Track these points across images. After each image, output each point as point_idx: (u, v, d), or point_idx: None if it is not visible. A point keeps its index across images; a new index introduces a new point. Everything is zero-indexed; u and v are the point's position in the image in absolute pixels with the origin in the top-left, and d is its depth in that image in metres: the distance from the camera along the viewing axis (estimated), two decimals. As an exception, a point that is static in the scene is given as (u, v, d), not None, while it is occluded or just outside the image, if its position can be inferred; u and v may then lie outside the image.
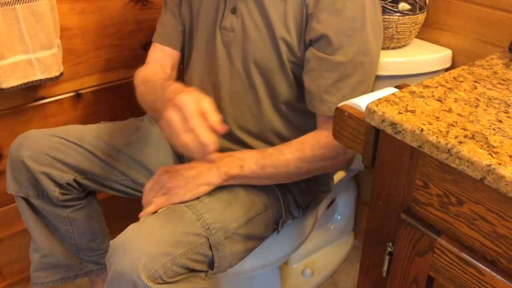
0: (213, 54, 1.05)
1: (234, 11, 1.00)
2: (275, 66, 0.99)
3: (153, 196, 0.97)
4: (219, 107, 1.06)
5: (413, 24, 1.18)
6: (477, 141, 0.62)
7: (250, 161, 0.97)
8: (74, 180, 1.09)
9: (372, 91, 0.98)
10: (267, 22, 0.97)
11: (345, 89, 0.94)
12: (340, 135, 0.80)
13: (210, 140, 0.76)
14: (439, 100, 0.72)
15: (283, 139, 1.04)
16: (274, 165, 0.97)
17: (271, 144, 1.06)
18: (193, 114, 0.76)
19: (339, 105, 0.78)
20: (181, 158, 1.20)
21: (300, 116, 1.06)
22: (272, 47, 0.98)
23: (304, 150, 0.97)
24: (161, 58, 1.14)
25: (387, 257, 0.80)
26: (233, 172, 0.97)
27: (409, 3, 1.19)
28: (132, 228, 0.91)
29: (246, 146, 1.08)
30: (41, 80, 1.19)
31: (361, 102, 0.78)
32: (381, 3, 1.12)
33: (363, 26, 0.92)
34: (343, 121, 0.77)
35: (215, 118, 0.78)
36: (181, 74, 1.19)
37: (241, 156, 0.98)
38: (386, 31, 1.16)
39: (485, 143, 0.62)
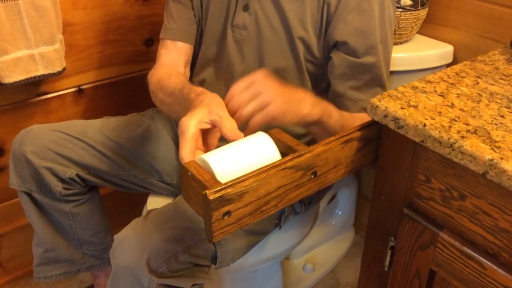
0: (225, 52, 1.03)
1: (246, 8, 0.98)
2: (291, 65, 0.98)
3: (242, 104, 0.79)
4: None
5: (415, 20, 1.18)
6: (479, 136, 0.63)
7: (335, 115, 0.90)
8: (77, 175, 1.10)
9: None
10: (283, 21, 0.96)
11: (377, 88, 0.94)
12: (188, 197, 0.70)
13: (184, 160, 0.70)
14: (442, 95, 0.73)
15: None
16: (342, 127, 0.90)
17: None
18: (181, 139, 0.72)
19: (184, 163, 0.68)
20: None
21: None
22: (288, 47, 0.97)
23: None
24: (174, 58, 1.07)
25: (389, 251, 0.80)
26: (323, 117, 0.86)
27: (411, -1, 1.19)
28: (135, 223, 0.91)
29: None
30: (43, 75, 1.19)
31: (212, 159, 0.68)
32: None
33: (384, 24, 0.92)
34: (188, 182, 0.68)
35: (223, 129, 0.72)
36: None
37: (330, 107, 0.90)
38: (388, 27, 1.17)
39: (487, 138, 0.62)
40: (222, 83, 1.06)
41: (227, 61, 1.03)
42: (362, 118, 0.93)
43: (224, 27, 1.02)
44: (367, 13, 0.90)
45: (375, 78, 0.94)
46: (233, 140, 0.71)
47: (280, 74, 0.99)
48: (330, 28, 0.93)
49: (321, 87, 1.01)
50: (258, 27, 0.98)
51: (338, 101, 0.97)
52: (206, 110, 0.74)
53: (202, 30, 1.07)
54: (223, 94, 1.06)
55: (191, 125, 0.71)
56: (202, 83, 1.09)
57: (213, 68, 1.07)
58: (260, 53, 0.99)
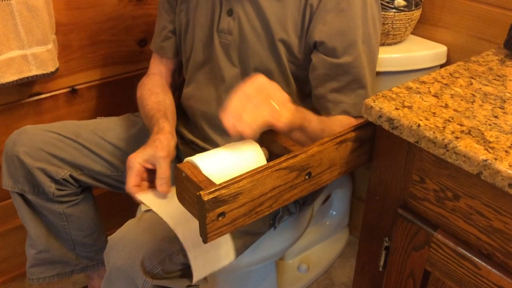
0: (213, 57, 1.04)
1: (230, 13, 0.99)
2: (274, 68, 0.99)
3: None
4: (221, 109, 1.06)
5: (409, 21, 1.19)
6: (473, 136, 0.63)
7: (314, 120, 0.88)
8: (70, 176, 1.09)
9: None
10: (264, 24, 0.96)
11: (359, 90, 0.94)
12: (182, 198, 0.71)
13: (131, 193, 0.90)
14: (436, 96, 0.73)
15: None
16: (322, 130, 0.89)
17: None
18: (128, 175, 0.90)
19: (178, 164, 0.69)
20: (178, 154, 1.20)
21: None
22: (270, 49, 0.97)
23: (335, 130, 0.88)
24: (161, 69, 1.18)
25: (383, 251, 0.80)
26: (304, 123, 0.83)
27: (405, 0, 1.19)
28: (130, 224, 0.91)
29: None
30: (36, 75, 1.18)
31: (203, 161, 0.69)
32: (377, -1, 1.13)
33: (366, 23, 0.92)
34: (182, 183, 0.69)
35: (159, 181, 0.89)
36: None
37: (309, 113, 0.88)
38: (381, 27, 1.17)
39: (481, 139, 0.62)
40: (213, 88, 1.07)
41: (217, 65, 1.03)
42: (340, 120, 0.94)
43: (210, 32, 1.03)
44: (346, 13, 0.90)
45: (356, 80, 0.94)
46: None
47: (265, 76, 1.00)
48: (310, 29, 0.93)
49: (307, 89, 1.01)
50: (241, 31, 0.98)
51: (320, 102, 0.98)
52: (152, 153, 0.90)
53: (192, 36, 1.08)
54: (213, 98, 1.07)
55: (136, 162, 0.90)
56: (194, 88, 1.11)
57: (204, 73, 1.08)
58: (245, 56, 1.00)
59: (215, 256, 0.93)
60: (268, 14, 0.95)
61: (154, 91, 1.10)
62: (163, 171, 0.88)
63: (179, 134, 1.19)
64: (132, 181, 0.89)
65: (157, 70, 1.18)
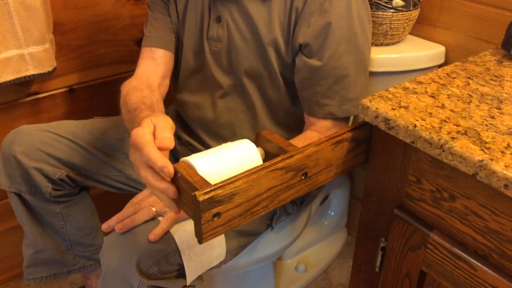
0: (205, 64, 1.04)
1: (219, 20, 0.99)
2: (265, 72, 0.99)
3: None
4: (216, 115, 1.06)
5: (407, 21, 1.18)
6: (469, 137, 0.63)
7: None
8: (67, 176, 1.09)
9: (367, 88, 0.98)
10: (252, 29, 0.96)
11: (342, 91, 0.94)
12: (177, 198, 0.70)
13: (165, 163, 0.67)
14: (432, 96, 0.73)
15: None
16: None
17: None
18: (143, 145, 0.69)
19: (174, 164, 0.67)
20: (175, 154, 1.20)
21: (295, 119, 1.06)
22: (260, 54, 0.98)
23: None
24: (149, 69, 1.06)
25: (380, 252, 0.80)
26: None
27: (403, 0, 1.19)
28: (126, 224, 0.91)
29: None
30: (34, 75, 1.18)
31: (199, 161, 0.68)
32: (375, -1, 1.13)
33: (351, 23, 0.92)
34: (177, 183, 0.68)
35: (162, 138, 0.71)
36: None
37: None
38: (380, 28, 1.17)
39: (478, 139, 0.62)
40: (207, 94, 1.07)
41: (209, 72, 1.04)
42: (305, 138, 0.93)
43: (200, 40, 1.03)
44: (329, 13, 0.90)
45: (338, 81, 0.93)
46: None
47: (256, 82, 1.00)
48: (295, 32, 0.93)
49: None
50: (230, 38, 0.99)
51: (306, 105, 0.98)
52: (152, 120, 0.73)
53: (182, 42, 1.07)
54: (208, 104, 1.07)
55: (147, 133, 0.70)
56: (187, 94, 1.10)
57: (196, 80, 1.08)
58: (235, 62, 1.00)
59: (208, 257, 0.93)
60: (256, 19, 0.95)
61: (139, 88, 0.98)
62: (167, 124, 0.73)
63: (176, 136, 1.19)
64: (158, 152, 0.68)
65: (145, 70, 1.06)
